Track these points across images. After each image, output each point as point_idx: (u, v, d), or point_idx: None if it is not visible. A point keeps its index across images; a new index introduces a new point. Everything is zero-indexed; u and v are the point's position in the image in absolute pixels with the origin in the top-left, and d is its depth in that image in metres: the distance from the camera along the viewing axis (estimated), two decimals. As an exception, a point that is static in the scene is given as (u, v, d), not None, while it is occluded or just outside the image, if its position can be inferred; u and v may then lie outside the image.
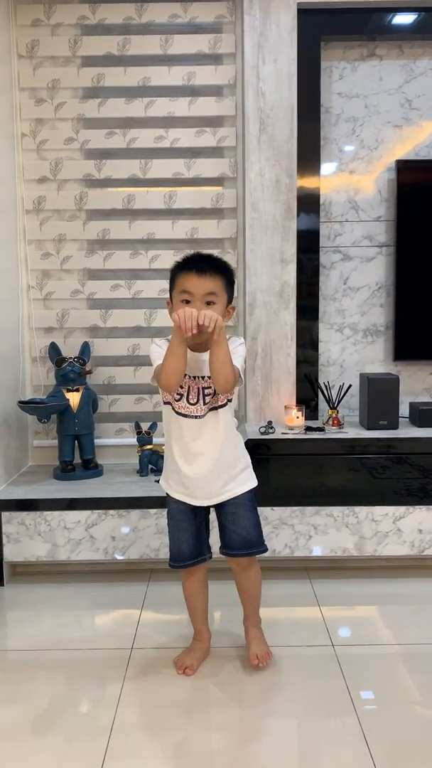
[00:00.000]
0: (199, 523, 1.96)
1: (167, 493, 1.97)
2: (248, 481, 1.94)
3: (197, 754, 1.64)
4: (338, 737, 1.68)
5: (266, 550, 1.96)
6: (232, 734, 1.71)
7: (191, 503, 1.91)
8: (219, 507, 1.93)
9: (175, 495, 1.93)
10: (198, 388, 1.85)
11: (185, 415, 1.85)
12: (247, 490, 1.92)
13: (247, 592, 2.01)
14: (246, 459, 1.97)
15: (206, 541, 2.00)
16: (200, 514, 1.96)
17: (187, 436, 1.86)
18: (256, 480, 1.96)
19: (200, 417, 1.84)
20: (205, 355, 1.81)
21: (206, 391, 1.84)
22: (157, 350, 1.85)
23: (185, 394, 1.85)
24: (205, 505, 1.92)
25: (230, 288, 1.85)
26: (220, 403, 1.86)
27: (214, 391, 1.83)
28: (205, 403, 1.84)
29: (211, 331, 1.71)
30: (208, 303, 1.79)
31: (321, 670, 1.98)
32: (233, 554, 1.94)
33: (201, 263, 1.81)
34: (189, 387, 1.84)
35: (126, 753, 1.63)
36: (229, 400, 1.88)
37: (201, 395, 1.84)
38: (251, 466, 1.97)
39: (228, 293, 1.84)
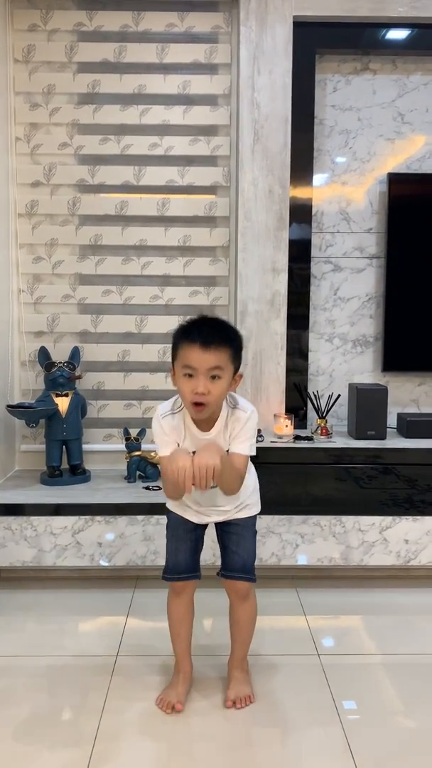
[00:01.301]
0: (197, 537, 1.89)
1: (168, 510, 1.90)
2: (256, 504, 1.90)
3: (181, 762, 1.63)
4: (323, 747, 1.68)
5: (255, 580, 1.88)
6: (217, 743, 1.70)
7: (199, 523, 1.87)
8: (224, 526, 1.87)
9: (183, 513, 1.87)
10: None
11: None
12: (254, 513, 1.88)
13: (239, 625, 1.91)
14: (255, 482, 1.90)
15: (199, 558, 1.91)
16: (200, 528, 1.89)
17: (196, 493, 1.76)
18: (258, 508, 1.91)
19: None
20: (210, 434, 1.73)
21: None
22: (162, 437, 1.73)
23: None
24: (217, 521, 1.87)
25: (238, 357, 1.70)
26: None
27: None
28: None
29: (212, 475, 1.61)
30: (213, 377, 1.65)
31: (306, 679, 1.98)
32: (234, 577, 1.86)
33: (206, 335, 1.64)
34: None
35: (110, 761, 1.62)
36: None
37: None
38: (258, 493, 1.91)
39: (235, 363, 1.69)
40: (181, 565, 1.88)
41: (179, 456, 1.64)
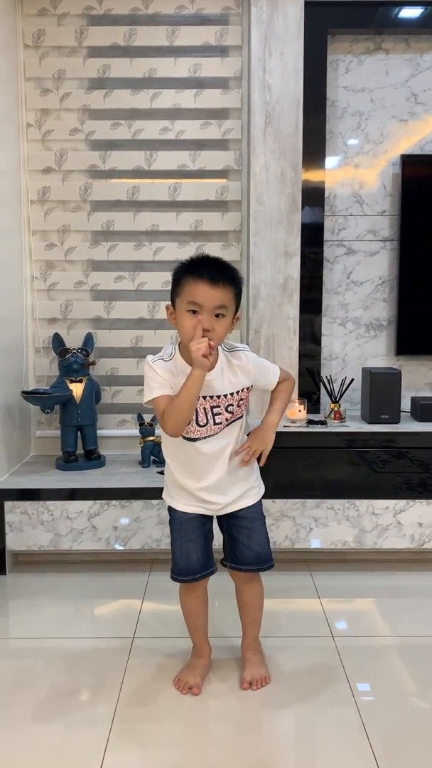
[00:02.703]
0: (206, 532, 1.84)
1: (170, 506, 1.84)
2: (259, 489, 1.87)
3: (198, 743, 1.66)
4: (338, 728, 1.70)
5: (272, 566, 1.86)
6: (233, 724, 1.72)
7: (206, 514, 1.82)
8: (232, 519, 1.83)
9: (185, 509, 1.81)
10: (205, 408, 1.71)
11: (194, 439, 1.73)
12: (257, 499, 1.85)
13: (248, 607, 1.90)
14: (257, 471, 1.89)
15: (212, 552, 1.86)
16: (208, 521, 1.84)
17: (195, 457, 1.75)
18: (263, 490, 1.89)
19: (211, 437, 1.73)
20: (212, 374, 1.70)
21: (215, 410, 1.72)
22: (156, 377, 1.69)
23: (194, 418, 1.71)
24: (221, 514, 1.83)
25: (239, 297, 1.70)
26: (235, 417, 1.76)
27: (226, 408, 1.73)
28: (215, 423, 1.73)
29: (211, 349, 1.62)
30: (217, 315, 1.63)
31: (321, 661, 2.00)
32: (248, 570, 1.83)
33: (213, 271, 1.62)
34: (197, 409, 1.70)
35: (128, 741, 1.65)
36: (240, 418, 1.79)
37: (210, 415, 1.72)
38: (260, 476, 1.90)
39: (236, 303, 1.69)
40: (194, 565, 1.80)
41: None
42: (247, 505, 1.83)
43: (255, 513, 1.84)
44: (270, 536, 1.87)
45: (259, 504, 1.86)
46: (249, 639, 1.93)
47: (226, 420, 1.75)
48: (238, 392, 1.75)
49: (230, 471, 1.78)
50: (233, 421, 1.77)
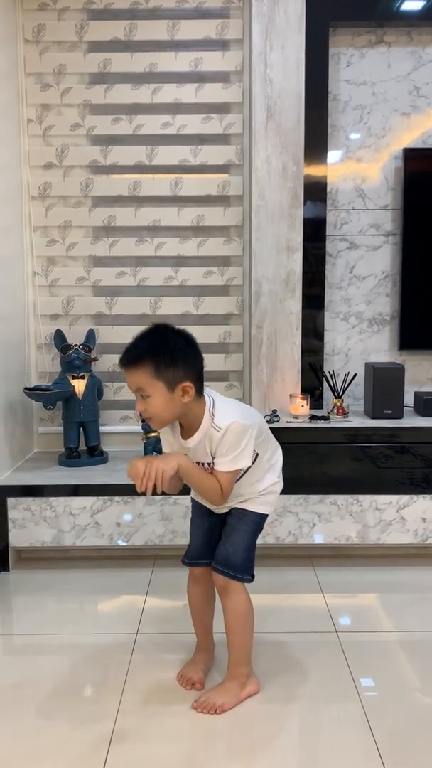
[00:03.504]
0: (211, 525, 1.84)
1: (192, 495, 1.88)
2: (264, 504, 1.79)
3: (201, 737, 1.66)
4: (342, 723, 1.70)
5: (245, 581, 1.75)
6: (237, 719, 1.72)
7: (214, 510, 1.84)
8: (226, 516, 1.82)
9: (197, 499, 1.85)
10: (201, 464, 1.70)
11: None
12: (253, 509, 1.77)
13: (226, 625, 1.78)
14: (274, 488, 1.80)
15: (215, 546, 1.82)
16: (215, 516, 1.83)
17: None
18: (271, 509, 1.81)
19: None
20: (190, 442, 1.67)
21: (208, 467, 1.70)
22: (164, 435, 1.76)
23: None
24: (219, 513, 1.83)
25: (164, 369, 1.57)
26: (241, 474, 1.73)
27: (212, 470, 1.69)
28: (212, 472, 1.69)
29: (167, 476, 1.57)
30: (144, 397, 1.60)
31: (324, 656, 1.99)
32: (214, 567, 1.77)
33: (124, 355, 1.62)
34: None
35: (132, 737, 1.65)
36: (254, 461, 1.73)
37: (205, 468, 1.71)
38: (276, 494, 1.81)
39: (163, 378, 1.57)
40: (193, 551, 1.86)
41: (163, 456, 1.63)
42: (242, 507, 1.78)
43: (245, 517, 1.77)
44: (273, 532, 1.85)
45: (254, 514, 1.77)
46: (229, 660, 1.79)
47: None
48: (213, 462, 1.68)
49: (240, 496, 1.78)
50: (243, 473, 1.74)
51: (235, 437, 1.63)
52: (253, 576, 1.79)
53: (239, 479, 1.74)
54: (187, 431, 1.68)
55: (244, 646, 1.79)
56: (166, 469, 1.57)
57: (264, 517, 1.81)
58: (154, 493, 1.58)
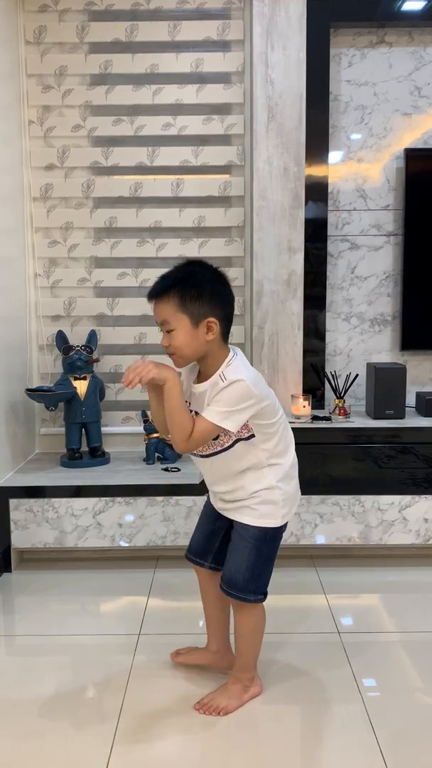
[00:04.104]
0: (216, 528, 1.80)
1: None
2: (264, 516, 1.68)
3: (204, 739, 1.65)
4: (344, 723, 1.70)
5: (251, 601, 1.69)
6: (239, 719, 1.72)
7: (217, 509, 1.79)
8: (232, 527, 1.75)
9: (209, 493, 1.83)
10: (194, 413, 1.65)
11: (200, 455, 1.69)
12: (251, 523, 1.68)
13: (236, 632, 1.77)
14: (269, 494, 1.68)
15: (214, 551, 1.81)
16: (222, 518, 1.78)
17: (200, 467, 1.75)
18: (275, 522, 1.68)
19: (213, 456, 1.67)
20: (199, 387, 1.63)
21: (196, 416, 1.62)
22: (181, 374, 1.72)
23: None
24: (224, 513, 1.76)
25: (189, 303, 1.56)
26: (222, 447, 1.64)
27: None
28: (213, 438, 1.63)
29: (152, 382, 1.56)
30: (169, 332, 1.59)
31: (327, 657, 1.99)
32: (220, 586, 1.74)
33: (152, 288, 1.61)
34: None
35: (134, 738, 1.65)
36: (245, 439, 1.63)
37: None
38: (278, 504, 1.68)
39: (188, 310, 1.56)
40: (192, 545, 1.86)
41: (161, 364, 1.60)
42: (241, 521, 1.70)
43: (246, 532, 1.69)
44: (256, 574, 1.67)
45: (253, 528, 1.68)
46: (236, 665, 1.79)
47: (221, 444, 1.64)
48: None
49: (232, 488, 1.70)
50: (222, 450, 1.65)
51: (236, 395, 1.56)
52: (264, 594, 1.73)
53: (224, 450, 1.63)
54: (201, 378, 1.65)
55: (250, 653, 1.79)
56: (154, 371, 1.55)
57: (266, 531, 1.68)
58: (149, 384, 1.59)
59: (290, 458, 1.74)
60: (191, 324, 1.57)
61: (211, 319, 1.58)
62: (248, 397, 1.57)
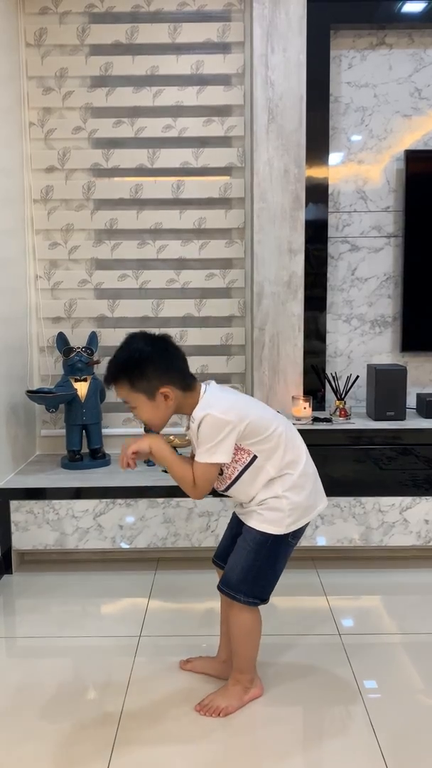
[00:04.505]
0: (236, 532, 1.80)
1: None
2: (270, 522, 1.70)
3: (205, 740, 1.65)
4: (345, 725, 1.69)
5: (242, 602, 1.71)
6: (240, 722, 1.72)
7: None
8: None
9: None
10: None
11: (220, 494, 1.79)
12: (254, 526, 1.71)
13: (230, 633, 1.80)
14: (276, 502, 1.70)
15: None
16: (242, 524, 1.78)
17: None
18: (279, 530, 1.69)
19: (224, 492, 1.75)
20: (189, 431, 1.72)
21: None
22: None
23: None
24: (237, 515, 1.83)
25: (138, 382, 1.65)
26: (231, 480, 1.71)
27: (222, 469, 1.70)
28: (221, 474, 1.72)
29: (147, 452, 1.68)
30: (133, 408, 1.70)
31: (327, 658, 1.99)
32: (219, 583, 1.78)
33: (105, 375, 1.71)
34: None
35: (135, 739, 1.65)
36: (249, 464, 1.69)
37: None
38: (284, 512, 1.69)
39: (141, 389, 1.65)
40: (218, 549, 1.90)
41: (138, 438, 1.73)
42: (247, 524, 1.73)
43: (248, 534, 1.72)
44: (252, 576, 1.68)
45: (255, 532, 1.70)
46: (234, 665, 1.81)
47: (229, 477, 1.71)
48: None
49: (237, 496, 1.77)
50: (239, 476, 1.70)
51: (210, 429, 1.63)
52: (260, 600, 1.73)
53: (235, 481, 1.70)
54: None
55: (246, 655, 1.78)
56: (133, 447, 1.67)
57: (268, 537, 1.69)
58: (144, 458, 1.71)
59: (300, 467, 1.73)
60: (148, 399, 1.66)
61: (164, 389, 1.66)
62: (222, 425, 1.63)
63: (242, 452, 1.68)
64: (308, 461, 1.77)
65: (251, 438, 1.67)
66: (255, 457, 1.69)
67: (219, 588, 1.77)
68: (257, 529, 1.70)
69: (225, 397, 1.70)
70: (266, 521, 1.70)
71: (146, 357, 1.66)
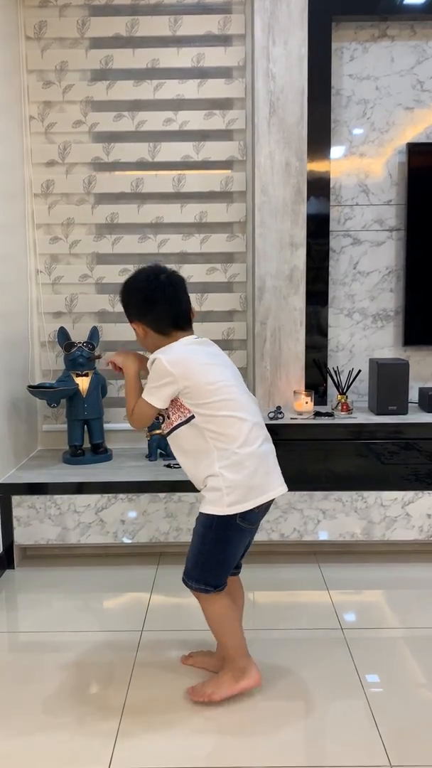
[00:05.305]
0: None
1: None
2: (207, 503, 1.70)
3: (207, 735, 1.65)
4: (347, 719, 1.70)
5: (192, 588, 1.73)
6: (242, 716, 1.72)
7: None
8: None
9: None
10: None
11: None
12: (202, 509, 1.71)
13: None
14: (214, 481, 1.70)
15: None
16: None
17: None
18: (220, 510, 1.68)
19: (167, 436, 1.81)
20: None
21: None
22: None
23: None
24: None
25: (126, 309, 1.83)
26: (171, 426, 1.76)
27: (168, 414, 1.77)
28: (167, 418, 1.78)
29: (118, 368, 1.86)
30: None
31: (330, 653, 1.99)
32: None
33: None
34: None
35: (138, 734, 1.65)
36: (186, 421, 1.71)
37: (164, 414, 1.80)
38: (222, 491, 1.68)
39: (127, 315, 1.84)
40: None
41: (127, 353, 1.90)
42: (200, 510, 1.74)
43: (198, 521, 1.74)
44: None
45: (201, 515, 1.72)
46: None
47: (170, 424, 1.77)
48: None
49: (193, 477, 1.79)
50: (180, 424, 1.73)
51: (154, 373, 1.73)
52: (211, 587, 1.72)
53: (173, 430, 1.75)
54: None
55: (226, 643, 1.79)
56: (112, 358, 1.89)
57: (212, 519, 1.69)
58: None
59: (247, 449, 1.70)
60: (134, 327, 1.82)
61: (136, 323, 1.80)
62: (164, 373, 1.70)
63: (183, 408, 1.72)
64: (262, 443, 1.74)
65: (189, 398, 1.71)
66: (193, 416, 1.71)
67: (183, 579, 1.77)
68: (201, 511, 1.72)
69: (183, 350, 1.75)
70: (208, 502, 1.71)
71: (136, 290, 1.80)
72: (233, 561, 1.77)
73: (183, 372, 1.70)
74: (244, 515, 1.71)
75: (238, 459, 1.69)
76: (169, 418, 1.77)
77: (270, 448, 1.79)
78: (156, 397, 1.73)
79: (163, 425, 1.84)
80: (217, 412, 1.70)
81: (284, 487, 1.79)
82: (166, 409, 1.76)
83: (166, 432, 1.81)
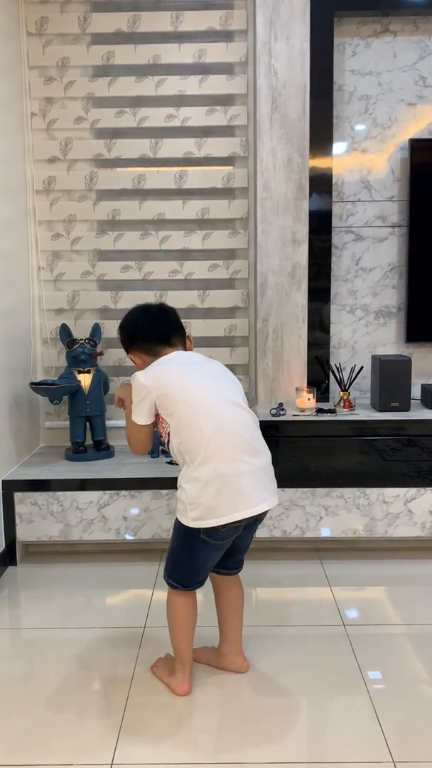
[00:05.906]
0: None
1: None
2: (182, 512, 1.71)
3: (210, 730, 1.66)
4: (350, 715, 1.70)
5: (165, 578, 1.80)
6: (245, 711, 1.72)
7: None
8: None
9: None
10: None
11: None
12: (180, 518, 1.72)
13: None
14: (180, 492, 1.72)
15: (228, 556, 1.82)
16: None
17: None
18: (185, 521, 1.69)
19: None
20: None
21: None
22: None
23: None
24: None
25: (123, 343, 1.92)
26: (165, 441, 1.80)
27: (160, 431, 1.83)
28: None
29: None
30: None
31: (332, 649, 1.99)
32: None
33: None
34: None
35: (140, 729, 1.65)
36: (170, 433, 1.75)
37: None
38: (185, 504, 1.68)
39: (125, 348, 1.93)
40: None
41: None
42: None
43: (175, 522, 1.76)
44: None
45: (176, 521, 1.74)
46: None
47: (164, 439, 1.82)
48: None
49: None
50: (169, 438, 1.78)
51: (134, 391, 1.78)
52: (180, 585, 1.76)
53: (166, 444, 1.80)
54: None
55: (173, 644, 1.82)
56: (118, 393, 1.93)
57: (181, 526, 1.71)
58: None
59: (206, 468, 1.66)
60: (129, 356, 1.93)
61: (130, 354, 1.91)
62: (141, 388, 1.76)
63: (164, 422, 1.76)
64: (232, 461, 1.66)
65: (163, 410, 1.75)
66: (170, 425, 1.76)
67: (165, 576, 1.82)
68: (178, 518, 1.74)
69: (160, 361, 1.81)
70: (177, 509, 1.74)
71: (126, 324, 1.91)
72: (202, 569, 1.76)
73: (155, 383, 1.74)
74: (208, 531, 1.68)
75: (198, 476, 1.67)
76: (161, 436, 1.82)
77: (249, 467, 1.68)
78: (137, 414, 1.78)
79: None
80: (183, 427, 1.69)
81: (266, 504, 1.70)
82: (155, 426, 1.82)
83: (167, 449, 1.84)
